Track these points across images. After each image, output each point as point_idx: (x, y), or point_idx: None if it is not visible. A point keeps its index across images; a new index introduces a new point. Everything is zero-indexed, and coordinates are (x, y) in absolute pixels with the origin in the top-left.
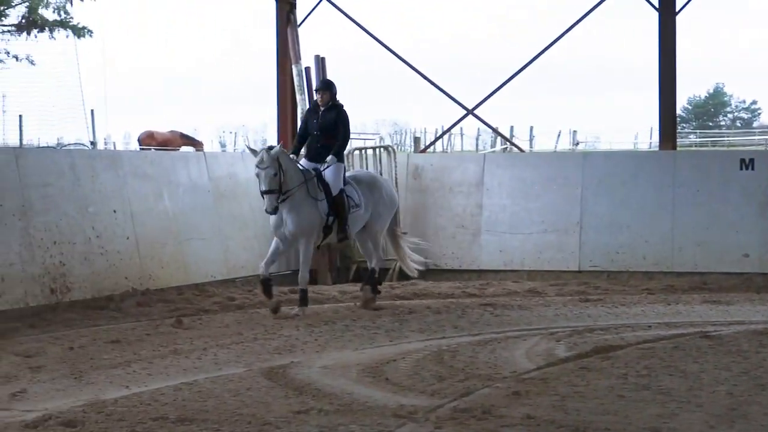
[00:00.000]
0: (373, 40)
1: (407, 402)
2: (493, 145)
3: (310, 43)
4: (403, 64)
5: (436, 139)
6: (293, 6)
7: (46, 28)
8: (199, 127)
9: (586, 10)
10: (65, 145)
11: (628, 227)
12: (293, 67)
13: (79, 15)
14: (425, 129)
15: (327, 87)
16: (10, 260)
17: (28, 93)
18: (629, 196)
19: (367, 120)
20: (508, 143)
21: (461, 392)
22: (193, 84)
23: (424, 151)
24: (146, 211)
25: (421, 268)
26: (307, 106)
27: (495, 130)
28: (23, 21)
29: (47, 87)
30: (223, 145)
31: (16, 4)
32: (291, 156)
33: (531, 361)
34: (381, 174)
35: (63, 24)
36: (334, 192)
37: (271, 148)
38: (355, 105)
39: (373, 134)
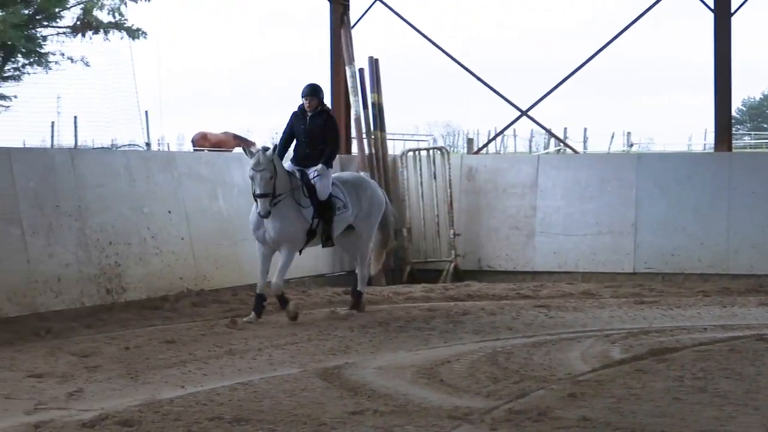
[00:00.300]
0: (427, 41)
1: (462, 403)
2: (546, 147)
3: (363, 45)
4: (456, 65)
5: (490, 140)
6: (347, 7)
7: (101, 30)
8: (252, 128)
9: (642, 11)
10: (119, 147)
11: (683, 229)
12: (347, 68)
13: (133, 16)
14: (478, 130)
15: (314, 92)
16: (66, 260)
17: (82, 94)
18: (684, 197)
19: (420, 121)
20: (561, 144)
21: (516, 394)
22: (246, 85)
23: (477, 152)
24: (201, 212)
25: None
26: (361, 108)
27: (549, 132)
28: (78, 23)
29: (102, 88)
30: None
31: (71, 6)
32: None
33: (586, 363)
34: (435, 176)
35: (117, 26)
36: (322, 197)
37: (267, 149)
38: (408, 106)
39: (426, 136)
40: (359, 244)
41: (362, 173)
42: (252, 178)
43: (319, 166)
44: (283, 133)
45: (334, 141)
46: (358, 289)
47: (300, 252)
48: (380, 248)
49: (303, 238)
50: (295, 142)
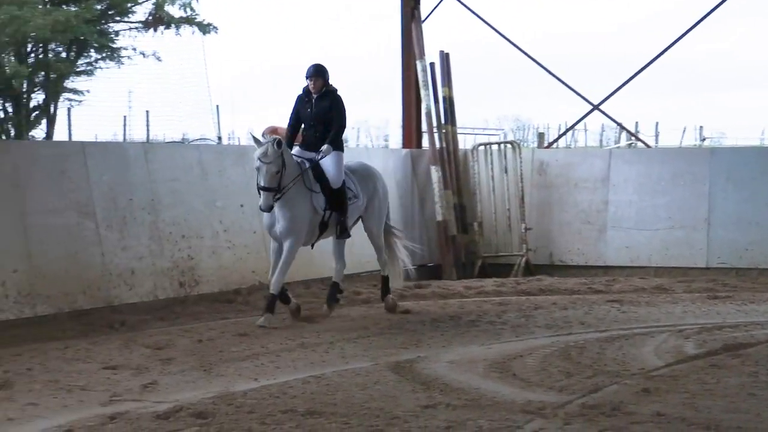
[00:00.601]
0: (497, 35)
1: (535, 398)
2: (617, 141)
3: (434, 39)
4: (527, 58)
5: (562, 134)
6: (417, 2)
7: (172, 25)
8: None
9: (713, 6)
10: (190, 141)
11: (758, 224)
12: (417, 62)
13: (204, 11)
14: (548, 125)
15: (319, 73)
16: (140, 254)
17: (154, 89)
18: (758, 192)
19: (489, 115)
20: (633, 138)
21: (589, 389)
22: None
23: (549, 146)
24: None
25: (406, 273)
26: (432, 102)
27: (621, 125)
28: (150, 18)
29: (173, 83)
30: (345, 141)
31: (143, 2)
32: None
33: (660, 358)
34: (506, 170)
35: (189, 21)
36: (335, 185)
37: (278, 143)
38: (477, 100)
39: (497, 130)
40: (371, 239)
41: (433, 168)
42: (257, 169)
43: (324, 146)
44: (289, 118)
45: (340, 120)
46: (391, 285)
47: (312, 246)
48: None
49: (314, 227)
50: (302, 126)
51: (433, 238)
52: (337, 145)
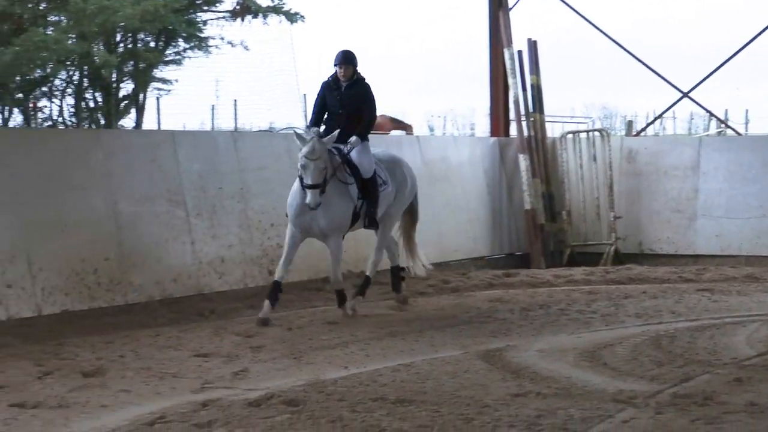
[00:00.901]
0: (585, 22)
1: (626, 387)
2: (705, 129)
3: (521, 27)
4: (614, 45)
5: (651, 122)
6: None
7: (260, 14)
8: (407, 111)
9: None
10: (278, 130)
11: None
12: (505, 51)
13: (291, 0)
14: (636, 113)
15: (349, 60)
16: (229, 242)
17: (241, 78)
18: None
19: (576, 103)
20: (723, 126)
21: (681, 378)
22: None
23: (638, 134)
24: None
25: (429, 268)
26: (520, 90)
27: (711, 113)
28: (237, 7)
29: (261, 72)
30: (431, 129)
31: None
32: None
33: (752, 347)
34: (595, 158)
35: (276, 10)
36: (367, 174)
37: (321, 136)
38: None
39: (585, 118)
40: (383, 225)
41: (521, 156)
42: (305, 167)
43: (353, 138)
44: (314, 106)
45: (371, 111)
46: (367, 274)
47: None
48: (411, 232)
49: (349, 223)
50: (326, 116)
51: (521, 226)
52: (364, 138)
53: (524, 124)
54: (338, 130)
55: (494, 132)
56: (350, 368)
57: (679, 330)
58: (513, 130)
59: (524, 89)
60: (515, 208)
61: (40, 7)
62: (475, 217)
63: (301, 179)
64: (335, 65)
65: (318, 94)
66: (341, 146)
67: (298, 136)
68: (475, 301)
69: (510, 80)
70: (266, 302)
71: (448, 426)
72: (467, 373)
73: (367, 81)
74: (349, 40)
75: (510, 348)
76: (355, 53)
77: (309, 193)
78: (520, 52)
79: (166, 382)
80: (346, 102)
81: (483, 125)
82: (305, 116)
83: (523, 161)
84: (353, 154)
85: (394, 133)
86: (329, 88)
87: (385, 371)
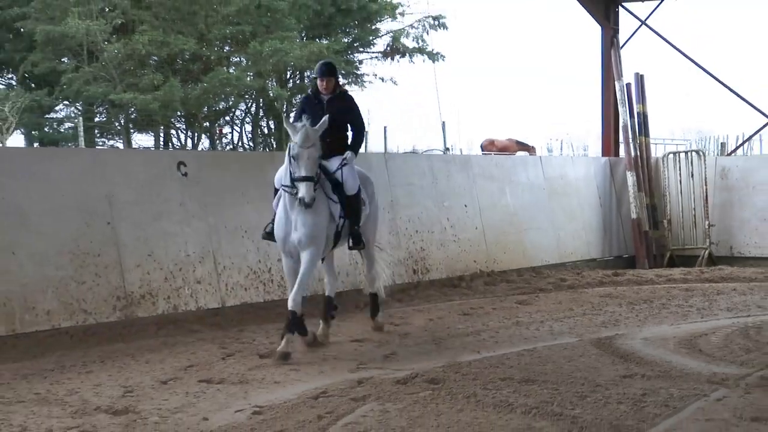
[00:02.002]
0: (684, 57)
1: (719, 370)
2: None
3: (629, 62)
4: (709, 77)
5: (742, 143)
6: (616, 31)
7: (407, 54)
8: (528, 135)
9: None
10: (422, 151)
11: None
12: (615, 83)
13: (434, 42)
14: (727, 135)
15: (332, 72)
16: (381, 246)
17: (389, 108)
18: None
19: (675, 127)
20: None
21: (767, 363)
22: (521, 96)
23: (730, 154)
24: (491, 206)
25: (381, 287)
26: (628, 117)
27: None
28: (388, 48)
29: (407, 103)
30: (550, 151)
31: (383, 35)
32: None
33: None
34: (692, 175)
35: (420, 50)
36: (352, 191)
37: (313, 123)
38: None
39: (684, 140)
40: (366, 248)
41: (629, 173)
42: (297, 157)
43: (348, 153)
44: (294, 119)
45: (360, 124)
46: (371, 291)
47: (322, 260)
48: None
49: (330, 242)
50: None
51: (628, 233)
52: (357, 152)
53: (631, 145)
54: (327, 116)
55: (605, 152)
56: (482, 352)
57: (765, 322)
58: (622, 151)
59: (632, 116)
60: (623, 217)
61: (225, 50)
62: (588, 225)
63: (295, 177)
64: (318, 76)
65: (297, 108)
66: (325, 161)
67: (291, 125)
68: (588, 297)
69: (620, 108)
70: (286, 335)
71: (565, 402)
72: (582, 357)
73: (350, 93)
74: (486, 79)
75: (618, 336)
76: (336, 65)
77: (302, 186)
78: (628, 85)
79: (328, 363)
80: (331, 115)
81: (595, 146)
82: (444, 140)
83: (630, 177)
84: (343, 171)
85: (520, 154)
86: (309, 101)
87: (512, 355)
